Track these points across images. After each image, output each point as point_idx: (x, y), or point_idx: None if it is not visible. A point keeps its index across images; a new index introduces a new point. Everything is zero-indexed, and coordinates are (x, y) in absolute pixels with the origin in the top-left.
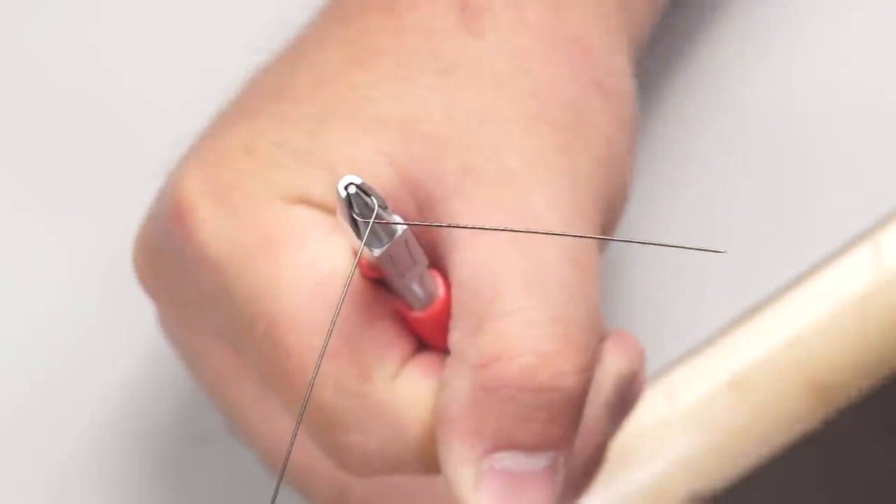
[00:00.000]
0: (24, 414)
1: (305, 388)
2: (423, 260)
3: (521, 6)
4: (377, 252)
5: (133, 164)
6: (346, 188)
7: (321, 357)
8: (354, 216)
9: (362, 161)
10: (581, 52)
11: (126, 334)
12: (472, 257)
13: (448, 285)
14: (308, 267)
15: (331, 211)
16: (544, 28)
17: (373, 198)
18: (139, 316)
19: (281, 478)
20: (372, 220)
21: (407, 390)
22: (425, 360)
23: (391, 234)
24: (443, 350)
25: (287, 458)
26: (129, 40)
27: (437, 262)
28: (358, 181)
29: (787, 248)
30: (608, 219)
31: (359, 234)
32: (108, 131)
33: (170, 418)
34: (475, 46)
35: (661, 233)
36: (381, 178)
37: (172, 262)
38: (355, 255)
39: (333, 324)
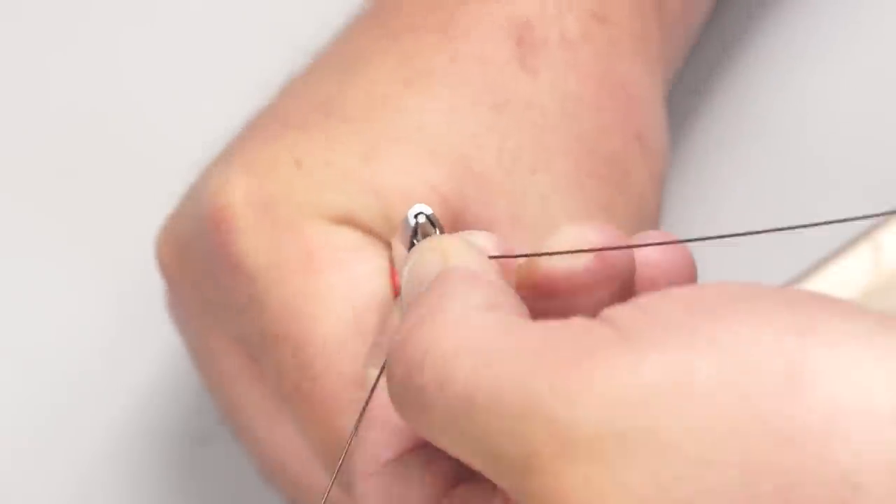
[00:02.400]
0: (26, 414)
1: (325, 411)
2: None
3: (576, 47)
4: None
5: (151, 166)
6: (416, 216)
7: (364, 410)
8: (414, 243)
9: (415, 195)
10: (627, 102)
11: (129, 335)
12: None
13: None
14: (346, 291)
15: (375, 236)
16: (595, 72)
17: (437, 229)
18: (142, 317)
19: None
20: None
21: None
22: None
23: None
24: None
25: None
26: (154, 35)
27: None
28: (429, 211)
29: (787, 248)
30: None
31: None
32: (127, 133)
33: (172, 419)
34: (528, 85)
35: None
36: None
37: (203, 262)
38: (393, 288)
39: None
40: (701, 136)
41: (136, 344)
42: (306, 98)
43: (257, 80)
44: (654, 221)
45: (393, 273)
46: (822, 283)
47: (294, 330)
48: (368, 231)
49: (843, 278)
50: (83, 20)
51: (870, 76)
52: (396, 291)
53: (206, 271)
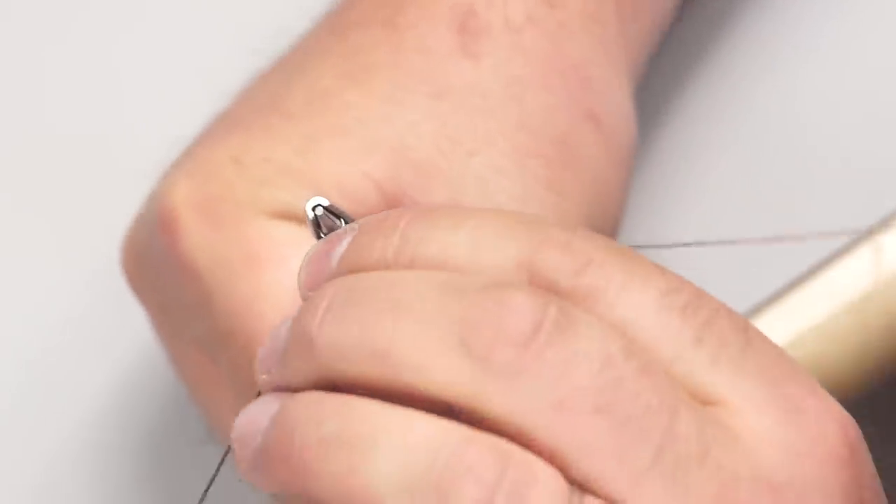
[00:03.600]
0: (23, 414)
1: None
2: None
3: (521, 30)
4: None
5: (126, 165)
6: (313, 209)
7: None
8: (321, 235)
9: (350, 184)
10: (578, 82)
11: (125, 334)
12: None
13: None
14: (289, 285)
15: None
16: (542, 55)
17: (341, 220)
18: (138, 316)
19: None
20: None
21: None
22: None
23: None
24: None
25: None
26: (124, 40)
27: None
28: (325, 202)
29: (787, 249)
30: None
31: None
32: (100, 132)
33: (170, 418)
34: (470, 71)
35: (661, 232)
36: (367, 203)
37: (157, 267)
38: None
39: None
40: (687, 135)
41: (133, 344)
42: (253, 99)
43: (227, 85)
44: (615, 202)
45: None
46: (823, 284)
47: (242, 327)
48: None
49: (844, 280)
50: (69, 23)
51: (862, 69)
52: None
53: (161, 275)
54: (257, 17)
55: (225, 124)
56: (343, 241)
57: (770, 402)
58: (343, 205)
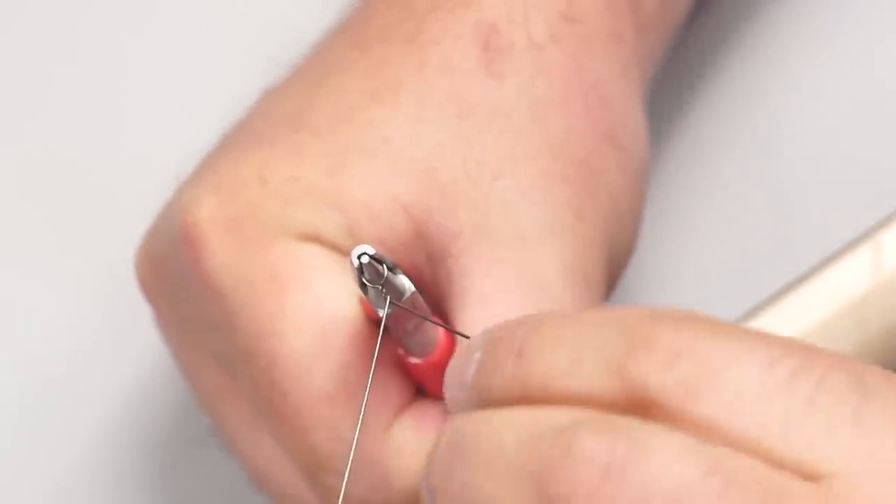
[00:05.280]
0: (25, 414)
1: (298, 426)
2: (428, 313)
3: (543, 47)
4: (382, 313)
5: (139, 172)
6: (358, 257)
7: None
8: (364, 282)
9: (378, 208)
10: (598, 102)
11: (127, 336)
12: (482, 324)
13: (450, 334)
14: (313, 309)
15: (341, 252)
16: (564, 74)
17: (384, 265)
18: (140, 318)
19: None
20: (386, 295)
21: (399, 442)
22: (420, 411)
23: (399, 295)
24: (439, 397)
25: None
26: (142, 47)
27: (442, 313)
28: (371, 251)
29: (787, 249)
30: (613, 273)
31: (367, 296)
32: (113, 138)
33: (170, 419)
34: (495, 90)
35: (659, 233)
36: (395, 227)
37: (177, 279)
38: (361, 305)
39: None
40: (690, 137)
41: (130, 345)
42: (275, 112)
43: (240, 93)
44: (631, 221)
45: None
46: (823, 284)
47: (263, 348)
48: (333, 247)
49: (844, 279)
50: (83, 27)
51: (862, 75)
52: (367, 314)
53: (180, 289)
54: (268, 23)
55: (248, 138)
56: (473, 359)
57: (890, 465)
58: (370, 228)
